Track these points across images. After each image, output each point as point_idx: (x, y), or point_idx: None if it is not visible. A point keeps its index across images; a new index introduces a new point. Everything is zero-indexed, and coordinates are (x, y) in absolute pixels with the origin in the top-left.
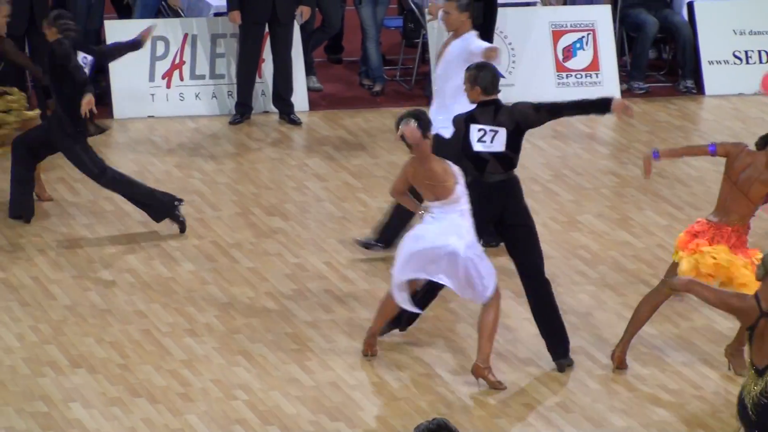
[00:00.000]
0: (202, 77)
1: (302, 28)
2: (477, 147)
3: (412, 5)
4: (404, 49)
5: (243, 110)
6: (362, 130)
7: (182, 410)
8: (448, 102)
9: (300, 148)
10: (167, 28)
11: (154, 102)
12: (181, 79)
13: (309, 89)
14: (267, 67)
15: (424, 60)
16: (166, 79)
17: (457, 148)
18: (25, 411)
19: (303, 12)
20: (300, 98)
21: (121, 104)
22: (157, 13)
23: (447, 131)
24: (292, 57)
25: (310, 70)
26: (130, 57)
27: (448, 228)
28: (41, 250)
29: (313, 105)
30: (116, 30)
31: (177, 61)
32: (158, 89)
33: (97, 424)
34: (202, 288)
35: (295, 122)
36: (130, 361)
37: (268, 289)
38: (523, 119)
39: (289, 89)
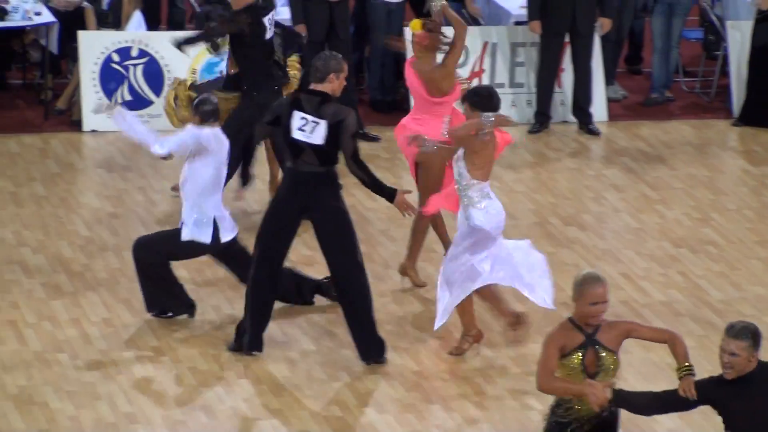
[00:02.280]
0: (501, 86)
1: (603, 39)
2: (296, 135)
3: (713, 18)
4: (704, 61)
5: (542, 120)
6: (661, 142)
7: (476, 418)
8: None
9: (598, 159)
10: (467, 36)
11: None
12: None
13: (610, 99)
14: (566, 77)
15: (724, 72)
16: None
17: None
18: (319, 415)
19: (603, 24)
20: (599, 108)
21: None
22: None
23: None
24: (592, 67)
25: (610, 79)
26: None
27: None
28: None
29: (612, 115)
30: None
31: (476, 69)
32: None
33: (390, 430)
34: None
35: (594, 132)
36: (425, 368)
37: (565, 299)
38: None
39: (588, 99)
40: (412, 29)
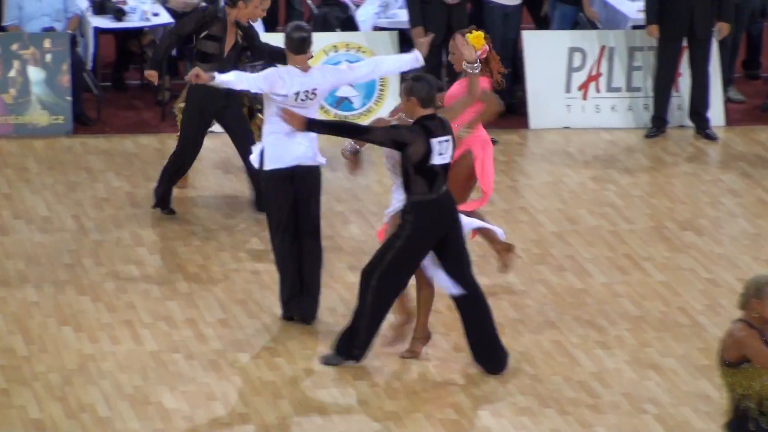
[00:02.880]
0: (618, 90)
1: (721, 43)
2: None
3: None
4: None
5: (659, 124)
6: None
7: (591, 422)
8: None
9: (715, 164)
10: (584, 39)
11: (570, 113)
12: (597, 91)
13: (731, 100)
14: (683, 82)
15: None
16: (582, 90)
17: None
18: (434, 417)
19: (721, 28)
20: (716, 113)
21: (536, 115)
22: (574, 25)
23: None
24: (709, 72)
25: (728, 83)
26: (547, 68)
27: None
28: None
29: (730, 120)
30: (533, 41)
31: (593, 72)
32: (574, 101)
33: None
34: (614, 300)
35: (711, 137)
36: (540, 371)
37: (681, 304)
38: None
39: (705, 104)
40: (474, 43)
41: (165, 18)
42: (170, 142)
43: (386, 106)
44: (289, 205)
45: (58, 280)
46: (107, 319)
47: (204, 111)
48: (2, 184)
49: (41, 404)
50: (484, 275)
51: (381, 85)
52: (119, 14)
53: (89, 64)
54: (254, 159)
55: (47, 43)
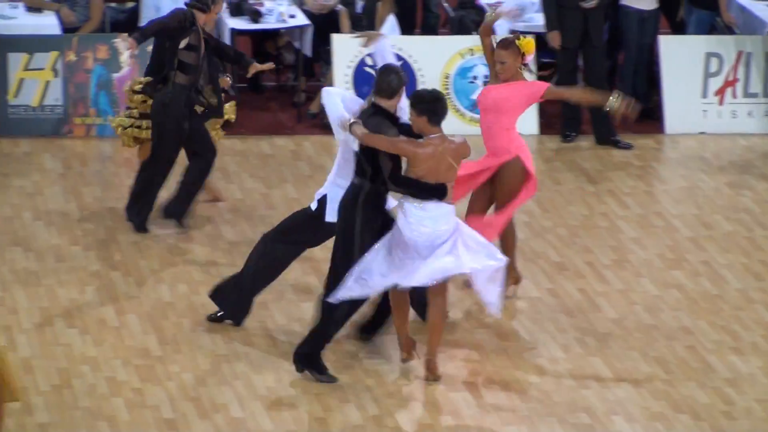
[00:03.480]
0: (755, 95)
1: None
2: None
3: None
4: None
5: None
6: None
7: (725, 428)
8: None
9: None
10: (721, 45)
11: (706, 119)
12: (734, 96)
13: None
14: None
15: None
16: (719, 96)
17: None
18: (567, 421)
19: None
20: None
21: (673, 120)
22: (711, 29)
23: None
24: None
25: None
26: (683, 73)
27: None
28: (590, 262)
29: None
30: (669, 46)
31: (730, 78)
32: (710, 106)
33: None
34: (749, 306)
35: None
36: (674, 376)
37: None
38: None
39: None
40: (525, 48)
41: (301, 20)
42: (306, 144)
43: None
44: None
45: (193, 281)
46: (247, 323)
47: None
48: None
49: (174, 404)
50: (622, 281)
51: None
52: (255, 16)
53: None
54: (314, 204)
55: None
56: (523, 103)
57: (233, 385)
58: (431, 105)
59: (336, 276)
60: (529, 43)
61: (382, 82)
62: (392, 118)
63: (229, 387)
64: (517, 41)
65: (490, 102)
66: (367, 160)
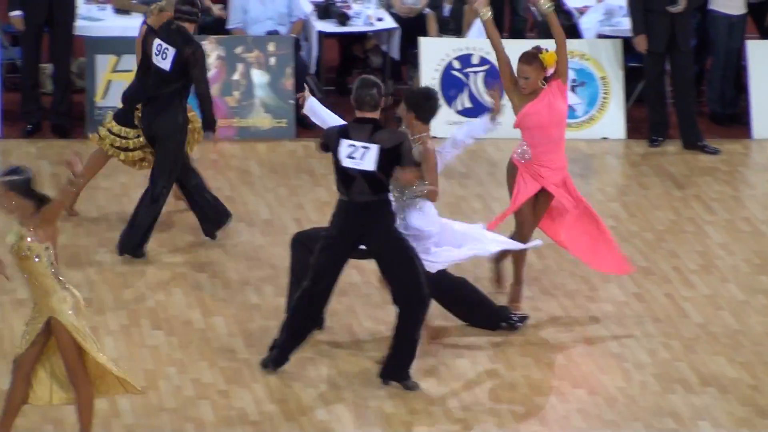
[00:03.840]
0: None
1: None
2: (346, 162)
3: None
4: None
5: None
6: None
7: None
8: None
9: None
10: None
11: None
12: None
13: None
14: None
15: None
16: None
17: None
18: (653, 426)
19: None
20: None
21: (760, 125)
22: None
23: None
24: None
25: None
26: None
27: None
28: (677, 267)
29: None
30: (757, 50)
31: None
32: None
33: None
34: None
35: None
36: (760, 382)
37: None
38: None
39: None
40: (548, 62)
41: (389, 23)
42: None
43: (609, 114)
44: None
45: (279, 284)
46: (328, 323)
47: None
48: (225, 187)
49: (260, 406)
50: (708, 286)
51: (604, 93)
52: (343, 19)
53: (312, 68)
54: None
55: (271, 47)
56: None
57: (319, 388)
58: (423, 103)
59: (405, 284)
60: (551, 57)
61: (365, 95)
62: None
63: (314, 389)
64: (540, 55)
65: (556, 116)
66: (387, 174)
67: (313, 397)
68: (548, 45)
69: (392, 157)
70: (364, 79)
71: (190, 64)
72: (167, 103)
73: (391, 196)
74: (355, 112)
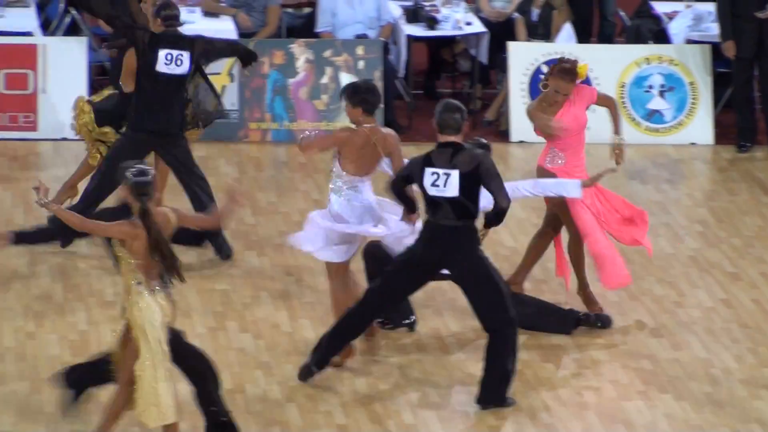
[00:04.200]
0: None
1: None
2: (431, 191)
3: None
4: None
5: None
6: None
7: None
8: None
9: None
10: None
11: None
12: None
13: None
14: None
15: None
16: None
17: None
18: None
19: None
20: None
21: None
22: None
23: None
24: None
25: None
26: None
27: None
28: (764, 273)
29: None
30: None
31: None
32: None
33: None
34: None
35: None
36: None
37: None
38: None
39: None
40: (582, 74)
41: (478, 27)
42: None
43: (697, 119)
44: None
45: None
46: (417, 327)
47: None
48: (312, 190)
49: (347, 410)
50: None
51: (693, 99)
52: (432, 22)
53: (401, 72)
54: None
55: (360, 51)
56: None
57: (405, 392)
58: (366, 95)
59: (490, 308)
60: (585, 69)
61: (450, 119)
62: None
63: (401, 393)
64: (575, 69)
65: (584, 122)
66: (472, 199)
67: (400, 401)
68: (638, 50)
69: (473, 180)
70: (447, 103)
71: (207, 51)
72: (177, 103)
73: (331, 184)
74: (437, 136)
